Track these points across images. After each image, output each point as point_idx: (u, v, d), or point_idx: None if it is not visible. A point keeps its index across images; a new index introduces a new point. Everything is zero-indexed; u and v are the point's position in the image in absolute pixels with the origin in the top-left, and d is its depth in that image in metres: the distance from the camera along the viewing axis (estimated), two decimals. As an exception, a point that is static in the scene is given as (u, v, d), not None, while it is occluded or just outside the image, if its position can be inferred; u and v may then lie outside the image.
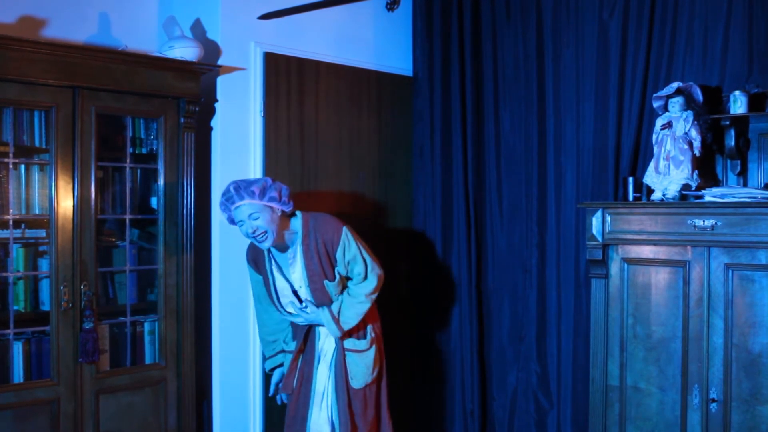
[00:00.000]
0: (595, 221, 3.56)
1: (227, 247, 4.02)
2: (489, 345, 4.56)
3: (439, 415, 4.63)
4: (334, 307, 3.38)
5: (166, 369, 3.77)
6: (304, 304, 3.42)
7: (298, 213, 3.43)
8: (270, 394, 3.74)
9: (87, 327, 3.49)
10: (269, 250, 3.43)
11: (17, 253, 3.47)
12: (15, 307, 3.43)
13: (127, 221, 3.73)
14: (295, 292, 3.45)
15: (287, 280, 3.44)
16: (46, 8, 3.81)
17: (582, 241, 3.98)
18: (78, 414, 3.50)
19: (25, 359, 3.41)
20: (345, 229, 3.39)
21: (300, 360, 3.53)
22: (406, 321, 4.73)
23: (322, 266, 3.36)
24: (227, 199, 3.29)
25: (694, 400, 3.33)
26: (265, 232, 3.27)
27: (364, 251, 3.42)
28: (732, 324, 3.24)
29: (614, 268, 3.56)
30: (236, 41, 4.04)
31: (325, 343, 3.49)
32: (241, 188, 3.27)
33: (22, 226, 3.52)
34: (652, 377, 3.46)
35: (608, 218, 3.54)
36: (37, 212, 3.53)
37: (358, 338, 3.47)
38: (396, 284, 4.71)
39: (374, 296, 3.45)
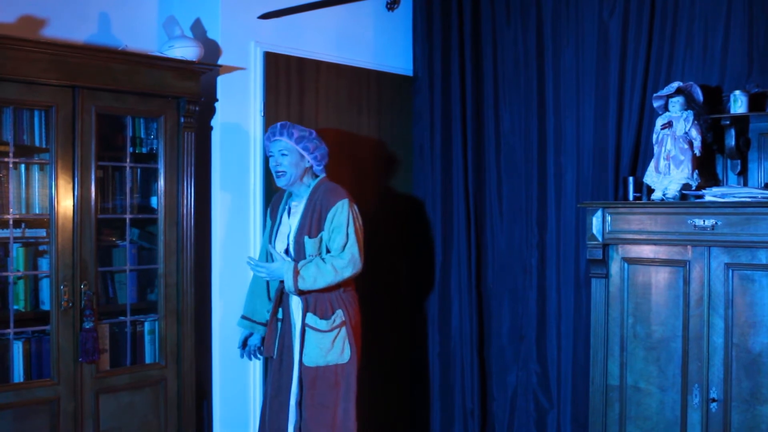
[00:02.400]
0: (596, 221, 3.56)
1: (227, 247, 4.03)
2: (489, 345, 4.56)
3: (439, 415, 4.63)
4: (300, 263, 3.41)
5: (166, 368, 3.77)
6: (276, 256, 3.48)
7: (322, 176, 3.60)
8: (238, 346, 3.77)
9: (87, 326, 3.49)
10: (289, 195, 3.62)
11: (17, 253, 3.47)
12: (15, 307, 3.43)
13: (127, 221, 3.73)
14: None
15: (288, 225, 3.57)
16: (46, 8, 3.81)
17: (582, 241, 3.98)
18: (78, 413, 3.49)
19: (25, 359, 3.41)
20: (347, 200, 3.50)
21: (279, 327, 3.54)
22: (405, 320, 4.73)
23: (311, 222, 3.47)
24: (271, 132, 3.54)
25: (695, 400, 3.34)
26: (285, 171, 3.49)
27: (352, 230, 3.48)
28: (732, 323, 3.24)
29: (614, 267, 3.57)
30: (236, 41, 4.04)
31: (295, 312, 3.49)
32: (286, 127, 3.51)
33: (23, 225, 3.52)
34: (652, 377, 3.46)
35: (608, 218, 3.54)
36: (37, 212, 3.53)
37: (321, 317, 3.46)
38: (396, 283, 4.71)
39: (343, 274, 3.42)
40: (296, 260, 3.45)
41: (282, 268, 3.41)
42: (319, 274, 3.39)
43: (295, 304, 3.49)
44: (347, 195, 3.52)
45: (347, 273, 3.45)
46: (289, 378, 3.48)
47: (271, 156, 3.55)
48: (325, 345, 3.45)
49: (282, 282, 3.46)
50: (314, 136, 3.54)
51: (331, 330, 3.47)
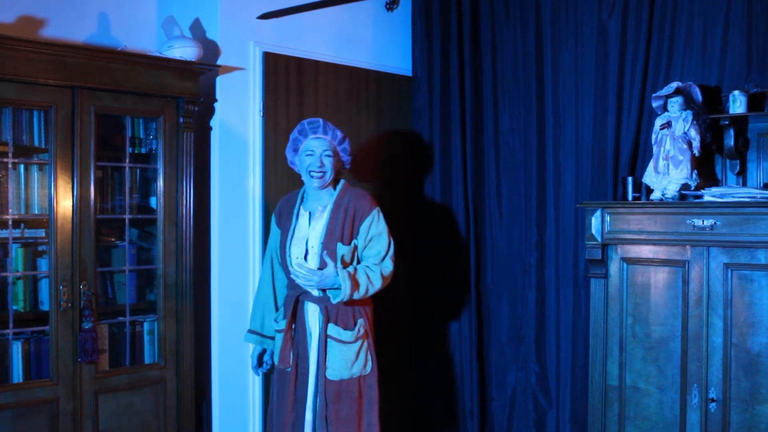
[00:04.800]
0: (595, 221, 3.56)
1: (226, 247, 4.02)
2: (488, 345, 4.56)
3: (439, 415, 4.63)
4: (351, 268, 3.27)
5: (166, 369, 3.77)
6: (324, 265, 3.27)
7: (343, 181, 3.48)
8: (253, 365, 3.59)
9: (86, 327, 3.49)
10: (302, 196, 3.47)
11: (16, 253, 3.47)
12: (14, 307, 3.43)
13: (127, 221, 3.73)
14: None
15: (308, 228, 3.39)
16: (46, 8, 3.81)
17: (581, 241, 3.98)
18: (77, 414, 3.49)
19: (25, 359, 3.41)
20: (379, 208, 3.41)
21: (294, 337, 3.36)
22: (404, 321, 4.73)
23: (343, 228, 3.32)
24: (313, 127, 3.40)
25: (693, 400, 3.34)
26: (326, 172, 3.37)
27: (391, 239, 3.40)
28: (731, 324, 3.24)
29: (613, 267, 3.57)
30: (235, 41, 4.04)
31: (311, 321, 3.34)
32: (327, 125, 3.40)
33: (22, 225, 3.52)
34: (652, 377, 3.47)
35: (607, 218, 3.54)
36: (36, 212, 3.53)
37: (345, 328, 3.30)
38: (395, 284, 4.71)
39: (387, 281, 3.35)
40: (320, 267, 3.28)
41: (337, 276, 3.21)
42: (370, 284, 3.27)
43: (312, 312, 3.34)
44: (377, 202, 3.43)
45: (389, 281, 3.37)
46: (305, 389, 3.32)
47: (309, 153, 3.37)
48: (350, 357, 3.29)
49: (294, 289, 3.34)
50: (347, 138, 3.47)
51: (356, 341, 3.31)
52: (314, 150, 3.37)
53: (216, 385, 4.03)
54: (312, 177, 3.37)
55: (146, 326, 3.77)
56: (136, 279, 3.79)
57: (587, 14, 4.07)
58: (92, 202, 3.52)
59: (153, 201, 3.82)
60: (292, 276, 3.32)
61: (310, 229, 3.39)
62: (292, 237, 3.40)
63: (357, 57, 4.55)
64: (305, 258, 3.35)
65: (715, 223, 3.25)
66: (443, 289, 4.61)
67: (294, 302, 3.35)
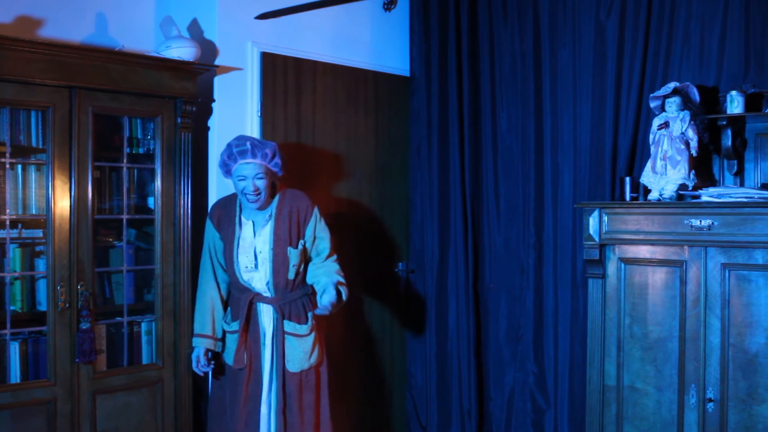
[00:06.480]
0: (592, 221, 3.56)
1: (224, 247, 4.02)
2: (486, 345, 4.56)
3: (436, 415, 4.62)
4: (335, 279, 3.42)
5: (163, 369, 3.76)
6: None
7: (278, 187, 3.57)
8: (209, 366, 3.56)
9: (84, 327, 3.48)
10: (240, 206, 3.51)
11: (14, 253, 3.47)
12: (12, 308, 3.43)
13: (124, 221, 3.73)
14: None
15: (254, 238, 3.48)
16: (43, 8, 3.80)
17: (579, 241, 3.98)
18: (75, 414, 3.49)
19: (22, 359, 3.40)
20: (317, 207, 3.55)
21: (248, 337, 3.49)
22: (402, 320, 4.73)
23: (290, 232, 3.44)
24: (240, 152, 3.35)
25: (691, 400, 3.34)
26: (261, 193, 3.39)
27: (329, 230, 3.57)
28: (729, 324, 3.24)
29: (611, 267, 3.57)
30: (233, 41, 4.04)
31: (265, 321, 3.48)
32: (256, 146, 3.36)
33: (19, 226, 3.51)
34: (649, 377, 3.47)
35: (605, 218, 3.54)
36: (33, 212, 3.52)
37: (299, 323, 3.47)
38: (393, 283, 4.71)
39: None
40: (275, 273, 3.42)
41: (339, 292, 3.41)
42: (337, 274, 3.49)
43: (265, 312, 3.48)
44: (313, 199, 3.56)
45: None
46: (259, 386, 3.46)
47: (240, 178, 3.36)
48: (308, 348, 3.48)
49: (254, 293, 3.45)
50: (277, 148, 3.44)
51: (310, 333, 3.49)
52: (245, 175, 3.37)
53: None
54: (251, 201, 3.41)
55: (144, 326, 3.76)
56: (134, 279, 3.78)
57: (585, 14, 4.07)
58: (90, 203, 3.52)
59: (151, 201, 3.81)
60: (318, 312, 3.38)
61: (256, 237, 3.48)
62: (237, 246, 3.48)
63: (355, 57, 4.55)
64: (255, 267, 3.45)
65: (712, 223, 3.26)
66: (440, 289, 4.60)
67: (249, 304, 3.46)
